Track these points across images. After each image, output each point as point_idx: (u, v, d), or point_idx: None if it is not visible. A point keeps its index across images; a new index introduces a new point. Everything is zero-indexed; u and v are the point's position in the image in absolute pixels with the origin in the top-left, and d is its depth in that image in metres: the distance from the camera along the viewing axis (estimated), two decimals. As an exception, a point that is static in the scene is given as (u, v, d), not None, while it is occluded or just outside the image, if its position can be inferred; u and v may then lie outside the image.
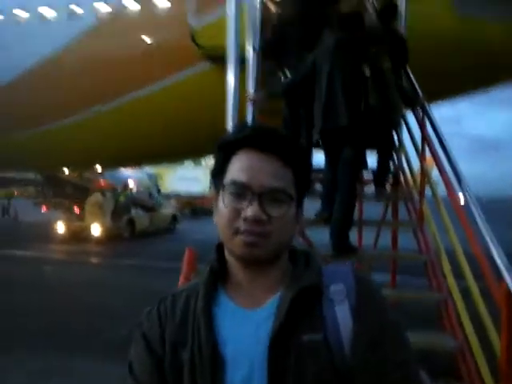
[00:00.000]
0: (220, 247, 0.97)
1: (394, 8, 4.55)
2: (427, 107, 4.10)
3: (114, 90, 9.21)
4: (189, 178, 31.75)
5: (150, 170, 22.72)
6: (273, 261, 0.92)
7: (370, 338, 0.86)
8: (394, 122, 4.00)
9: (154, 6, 8.71)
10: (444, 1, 7.22)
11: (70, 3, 9.21)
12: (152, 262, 10.95)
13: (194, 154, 14.11)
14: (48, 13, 9.41)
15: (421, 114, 4.21)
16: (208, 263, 0.98)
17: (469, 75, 8.00)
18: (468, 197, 3.28)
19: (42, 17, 9.44)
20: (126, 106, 9.27)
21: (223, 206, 0.90)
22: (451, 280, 3.38)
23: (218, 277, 0.95)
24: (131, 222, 16.29)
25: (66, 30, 9.19)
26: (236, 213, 0.88)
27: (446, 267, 3.47)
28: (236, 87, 3.77)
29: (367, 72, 3.63)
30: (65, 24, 9.20)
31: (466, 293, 3.16)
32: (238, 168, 0.90)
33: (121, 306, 6.65)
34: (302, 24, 4.77)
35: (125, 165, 15.92)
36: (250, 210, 0.86)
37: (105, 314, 6.50)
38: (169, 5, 8.65)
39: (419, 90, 4.31)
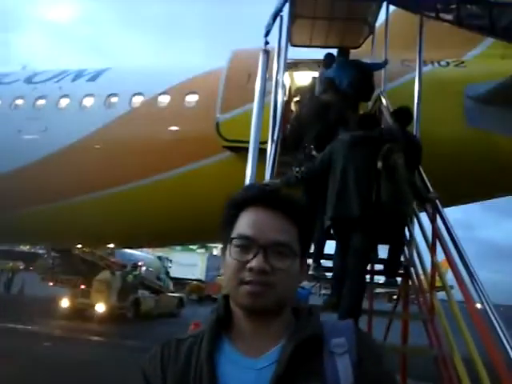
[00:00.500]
0: (226, 298, 1.02)
1: (406, 110, 4.95)
2: (438, 203, 4.28)
3: (134, 173, 9.65)
4: (184, 263, 31.77)
5: (160, 252, 22.80)
6: (276, 312, 0.96)
7: None
8: (405, 214, 4.16)
9: (184, 98, 9.46)
10: (457, 112, 7.84)
11: (110, 95, 10.06)
12: (154, 345, 10.60)
13: (208, 238, 14.21)
14: (88, 101, 10.25)
15: (431, 210, 4.37)
16: (213, 312, 1.03)
17: (478, 182, 8.34)
18: (483, 297, 3.22)
19: (81, 104, 10.26)
20: (146, 188, 9.64)
21: (230, 257, 0.96)
22: (464, 377, 3.28)
23: (223, 325, 1.00)
24: (137, 303, 16.05)
25: (101, 117, 9.91)
26: (242, 264, 0.94)
27: (458, 362, 3.39)
28: (253, 174, 4.00)
29: (379, 165, 3.87)
30: (100, 111, 9.95)
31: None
32: (246, 223, 0.97)
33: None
34: (319, 124, 5.17)
35: (137, 245, 16.06)
36: (255, 262, 0.92)
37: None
38: (197, 98, 9.39)
39: (431, 188, 4.52)
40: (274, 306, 0.94)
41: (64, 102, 10.52)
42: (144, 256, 19.30)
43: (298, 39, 8.75)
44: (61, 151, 10.02)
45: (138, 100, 9.87)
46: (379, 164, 3.87)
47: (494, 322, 2.97)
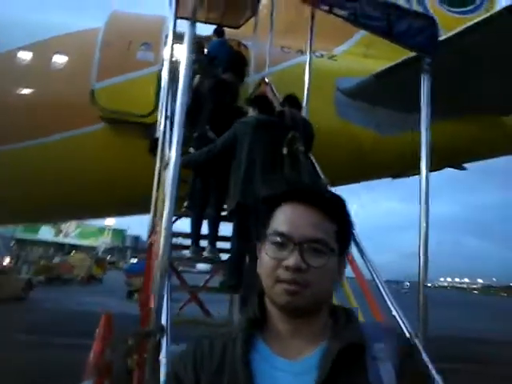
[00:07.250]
0: (260, 296, 0.99)
1: (296, 97, 5.14)
2: (329, 188, 4.55)
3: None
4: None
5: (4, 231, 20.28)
6: (313, 312, 0.94)
7: None
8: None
9: (50, 58, 8.35)
10: (329, 103, 8.52)
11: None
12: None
13: (74, 214, 12.90)
14: None
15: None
16: (247, 310, 0.99)
17: (343, 169, 9.16)
18: (373, 273, 3.39)
19: None
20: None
21: (266, 255, 0.94)
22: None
23: (257, 325, 0.96)
24: (-26, 287, 14.09)
25: None
26: (278, 262, 0.91)
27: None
28: (178, 155, 3.54)
29: (285, 151, 3.97)
30: None
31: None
32: (281, 220, 0.94)
33: None
34: (213, 103, 5.06)
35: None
36: (291, 259, 0.90)
37: None
38: (66, 59, 8.37)
39: (321, 174, 4.81)
40: (310, 305, 0.92)
41: None
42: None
43: (183, 11, 8.35)
44: None
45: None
46: (284, 150, 3.96)
47: (386, 297, 3.16)
